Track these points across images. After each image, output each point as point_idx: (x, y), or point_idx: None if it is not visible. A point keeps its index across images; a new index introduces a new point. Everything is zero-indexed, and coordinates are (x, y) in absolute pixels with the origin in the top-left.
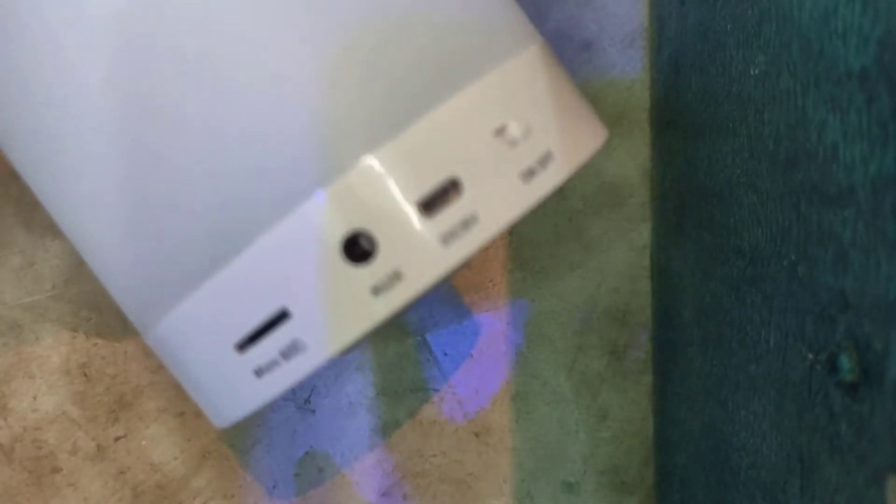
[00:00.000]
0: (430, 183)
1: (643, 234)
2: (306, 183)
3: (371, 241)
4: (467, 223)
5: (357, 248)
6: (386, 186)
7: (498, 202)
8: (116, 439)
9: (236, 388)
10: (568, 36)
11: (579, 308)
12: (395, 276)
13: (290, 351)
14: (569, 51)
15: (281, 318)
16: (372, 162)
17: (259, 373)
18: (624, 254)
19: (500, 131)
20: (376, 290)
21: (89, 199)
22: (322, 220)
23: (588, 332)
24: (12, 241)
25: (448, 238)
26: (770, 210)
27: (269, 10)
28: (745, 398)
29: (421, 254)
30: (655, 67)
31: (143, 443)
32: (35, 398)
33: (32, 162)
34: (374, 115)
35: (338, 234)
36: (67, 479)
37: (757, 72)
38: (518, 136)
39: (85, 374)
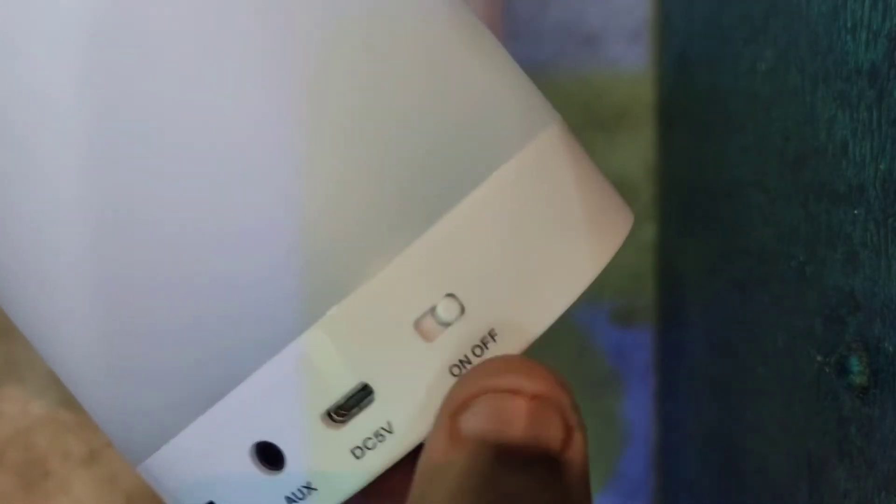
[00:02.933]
0: (338, 393)
1: (648, 232)
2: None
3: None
4: (381, 436)
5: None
6: (290, 396)
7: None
8: (109, 444)
9: None
10: (571, 30)
11: (582, 308)
12: (306, 491)
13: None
14: (572, 45)
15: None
16: (274, 367)
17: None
18: (628, 253)
19: (427, 315)
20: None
21: (67, 338)
22: (229, 426)
23: (591, 333)
24: None
25: (360, 451)
26: (778, 209)
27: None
28: (752, 401)
29: (331, 468)
30: (661, 62)
31: None
32: (26, 402)
33: (14, 308)
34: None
35: (249, 440)
36: (59, 484)
37: (765, 67)
38: (451, 318)
39: None
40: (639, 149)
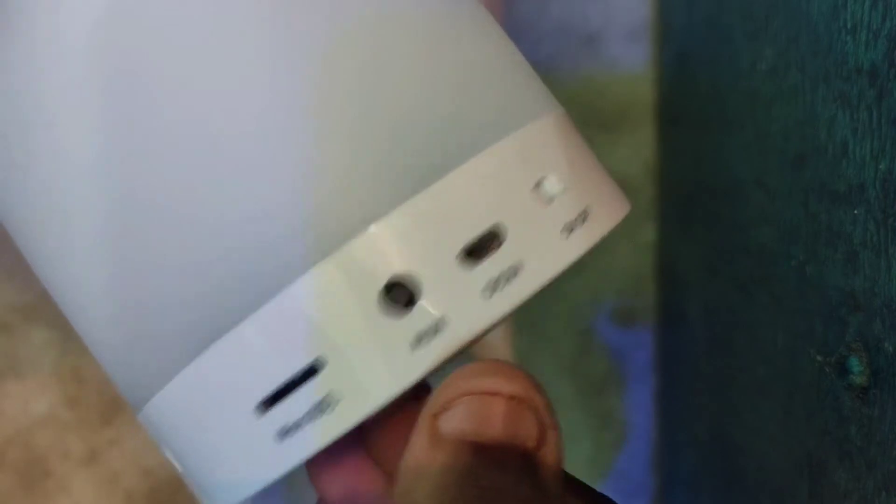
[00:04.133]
0: (473, 232)
1: (648, 232)
2: (348, 224)
3: (413, 287)
4: (511, 274)
5: (395, 298)
6: (429, 232)
7: (541, 255)
8: (109, 443)
9: (253, 457)
10: (572, 29)
11: (583, 309)
12: (437, 327)
13: (321, 409)
14: (572, 44)
15: (311, 372)
16: (414, 207)
17: (283, 434)
18: (629, 253)
19: (538, 185)
20: (417, 341)
21: (79, 268)
22: (361, 265)
23: (592, 333)
24: (3, 242)
25: (493, 288)
26: (778, 208)
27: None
28: (752, 401)
29: (464, 304)
30: (661, 61)
31: (136, 447)
32: (26, 401)
33: (28, 245)
34: (413, 162)
35: (379, 280)
36: (59, 483)
37: (765, 67)
38: (556, 192)
39: (77, 377)
40: (639, 149)
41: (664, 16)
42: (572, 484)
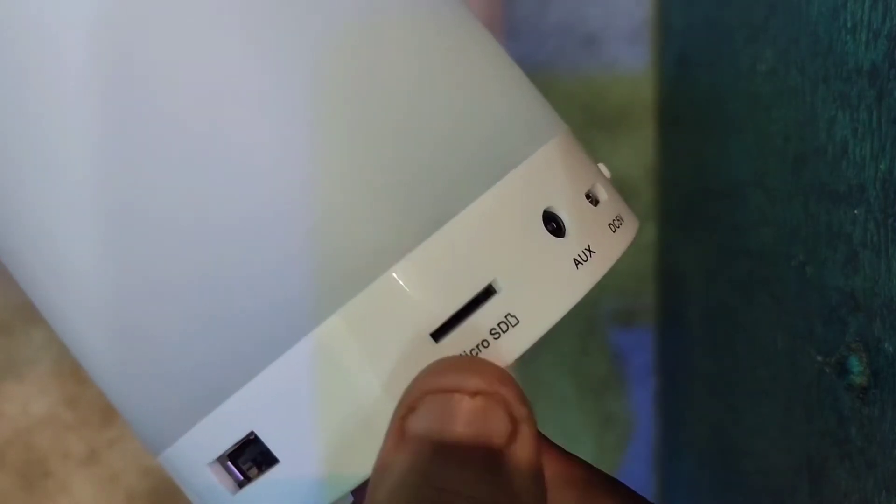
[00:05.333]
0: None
1: (648, 233)
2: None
3: (559, 220)
4: (619, 221)
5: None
6: (568, 169)
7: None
8: (109, 443)
9: None
10: (571, 30)
11: (583, 310)
12: (589, 252)
13: (498, 332)
14: (572, 45)
15: (483, 299)
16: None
17: None
18: (629, 253)
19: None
20: (577, 263)
21: (87, 319)
22: (522, 195)
23: (592, 334)
24: None
25: (614, 226)
26: (778, 209)
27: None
28: (752, 402)
29: (603, 235)
30: (661, 63)
31: (137, 447)
32: (26, 402)
33: (37, 295)
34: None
35: (540, 204)
36: (59, 483)
37: (765, 67)
38: (602, 198)
39: (77, 377)
40: (639, 149)
41: (664, 17)
42: (598, 477)
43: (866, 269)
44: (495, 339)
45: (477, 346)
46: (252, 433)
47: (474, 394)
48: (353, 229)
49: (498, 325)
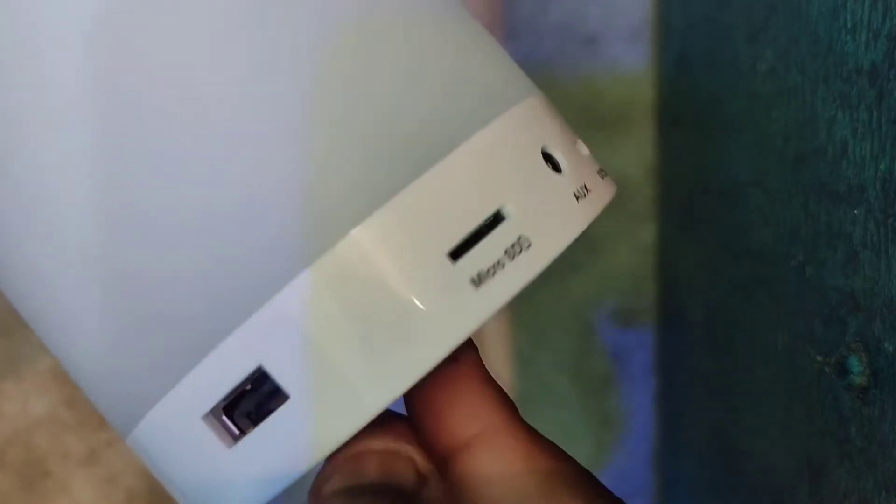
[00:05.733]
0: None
1: (648, 233)
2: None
3: (555, 161)
4: (604, 173)
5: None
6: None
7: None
8: (108, 443)
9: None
10: (571, 30)
11: (583, 310)
12: (586, 190)
13: (512, 254)
14: (572, 45)
15: (497, 220)
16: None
17: (478, 281)
18: (628, 254)
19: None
20: (577, 197)
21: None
22: (519, 132)
23: (592, 334)
24: None
25: (601, 174)
26: (778, 209)
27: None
28: (752, 401)
29: (595, 179)
30: (661, 62)
31: None
32: (26, 402)
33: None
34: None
35: (537, 145)
36: (59, 483)
37: (765, 67)
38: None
39: None
40: (639, 149)
41: (664, 17)
42: (590, 483)
43: (866, 269)
44: (510, 259)
45: (494, 266)
46: (259, 367)
47: (381, 452)
48: (366, 155)
49: (512, 246)
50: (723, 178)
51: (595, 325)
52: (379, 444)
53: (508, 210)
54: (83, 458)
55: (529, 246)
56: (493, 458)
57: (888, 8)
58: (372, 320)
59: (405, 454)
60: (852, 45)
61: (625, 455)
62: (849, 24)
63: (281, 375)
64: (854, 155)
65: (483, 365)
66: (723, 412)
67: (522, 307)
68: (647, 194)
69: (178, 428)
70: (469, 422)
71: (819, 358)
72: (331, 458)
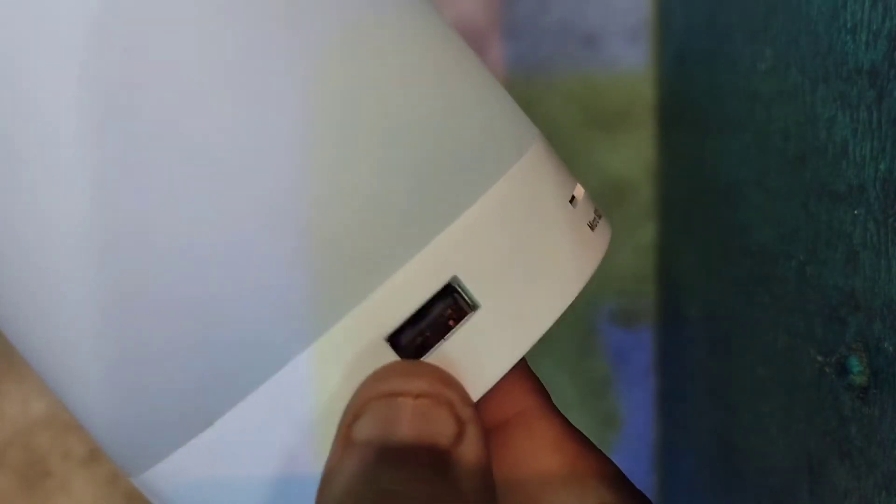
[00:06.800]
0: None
1: (648, 233)
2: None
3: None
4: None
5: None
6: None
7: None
8: None
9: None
10: (571, 29)
11: (583, 310)
12: (595, 222)
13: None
14: (572, 44)
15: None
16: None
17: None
18: (628, 254)
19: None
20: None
21: (65, 335)
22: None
23: (592, 334)
24: None
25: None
26: (778, 209)
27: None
28: (752, 401)
29: (594, 220)
30: (661, 62)
31: None
32: (26, 402)
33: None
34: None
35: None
36: (59, 484)
37: (765, 67)
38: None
39: None
40: (639, 149)
41: (664, 16)
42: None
43: (866, 269)
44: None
45: (594, 218)
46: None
47: (417, 396)
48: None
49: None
50: (723, 178)
51: (595, 325)
52: (413, 386)
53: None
54: (83, 459)
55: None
56: (525, 439)
57: (888, 8)
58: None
59: (443, 398)
60: (852, 45)
61: (625, 455)
62: (849, 24)
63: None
64: (854, 155)
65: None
66: (723, 412)
67: None
68: (648, 194)
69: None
70: (507, 405)
71: (819, 358)
72: (366, 384)
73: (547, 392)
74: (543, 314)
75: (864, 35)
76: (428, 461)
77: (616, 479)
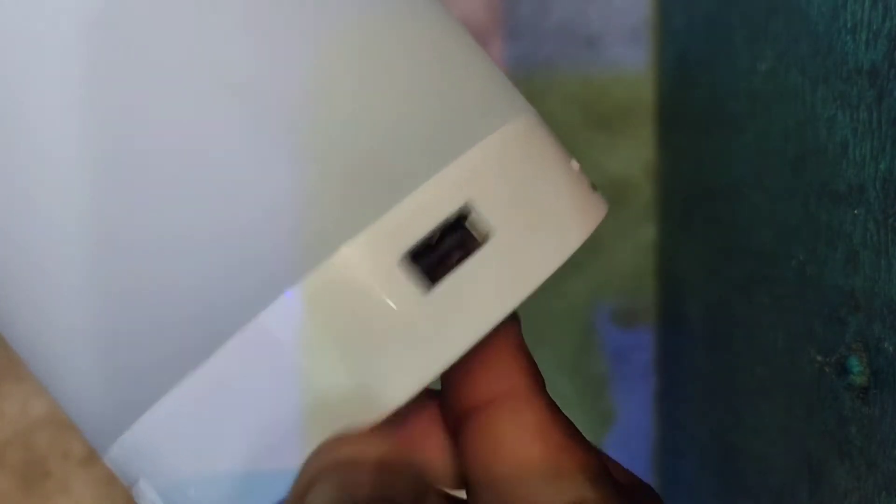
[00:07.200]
0: None
1: (648, 233)
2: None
3: None
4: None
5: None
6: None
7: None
8: None
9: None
10: (572, 31)
11: (583, 310)
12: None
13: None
14: (573, 45)
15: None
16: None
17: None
18: (629, 254)
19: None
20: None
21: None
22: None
23: (592, 333)
24: None
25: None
26: (778, 209)
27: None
28: (752, 401)
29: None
30: (661, 63)
31: None
32: (26, 402)
33: None
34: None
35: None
36: (59, 483)
37: (765, 67)
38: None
39: None
40: (639, 149)
41: (664, 17)
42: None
43: (866, 269)
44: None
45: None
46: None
47: (378, 463)
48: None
49: None
50: (723, 178)
51: (595, 325)
52: (375, 451)
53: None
54: (83, 459)
55: None
56: (507, 423)
57: (888, 8)
58: None
59: (406, 463)
60: (852, 45)
61: (625, 455)
62: (849, 24)
63: (488, 209)
64: (854, 155)
65: (521, 335)
66: (723, 412)
67: (522, 307)
68: (647, 194)
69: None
70: (495, 382)
71: (819, 358)
72: (317, 455)
73: (540, 375)
74: (546, 259)
75: (864, 35)
76: None
77: (599, 474)
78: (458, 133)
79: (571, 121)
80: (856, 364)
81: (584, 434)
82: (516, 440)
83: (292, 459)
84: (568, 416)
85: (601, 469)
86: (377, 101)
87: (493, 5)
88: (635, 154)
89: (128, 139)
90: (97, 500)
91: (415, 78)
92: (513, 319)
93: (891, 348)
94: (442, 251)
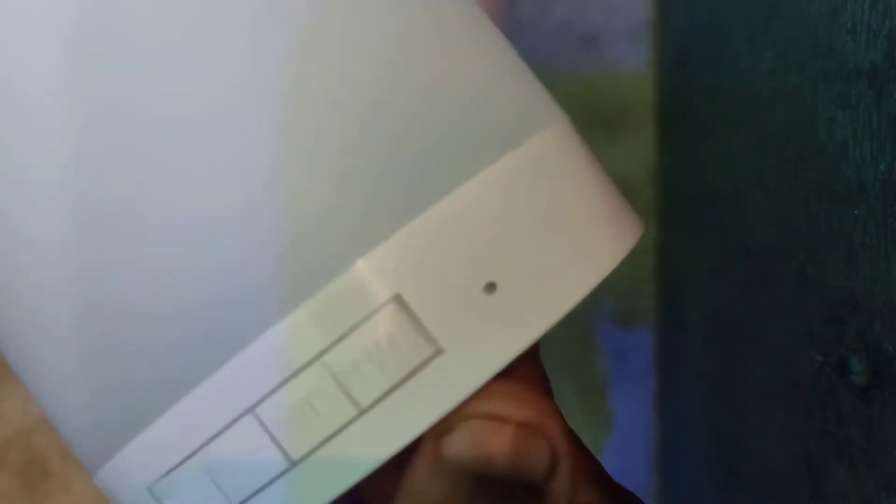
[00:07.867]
0: None
1: (648, 233)
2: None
3: None
4: None
5: None
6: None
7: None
8: None
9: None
10: (572, 30)
11: (583, 310)
12: None
13: None
14: (573, 45)
15: None
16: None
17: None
18: (629, 254)
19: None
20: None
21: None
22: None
23: (592, 334)
24: None
25: None
26: (779, 209)
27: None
28: (752, 402)
29: None
30: (661, 62)
31: None
32: (26, 402)
33: None
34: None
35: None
36: (60, 483)
37: (765, 68)
38: None
39: None
40: (639, 149)
41: (664, 17)
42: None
43: (866, 269)
44: None
45: None
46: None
47: (520, 425)
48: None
49: None
50: (723, 178)
51: (595, 325)
52: (519, 413)
53: None
54: None
55: None
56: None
57: (888, 8)
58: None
59: (543, 432)
60: (852, 45)
61: (625, 455)
62: (849, 25)
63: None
64: (854, 155)
65: (542, 368)
66: (723, 412)
67: None
68: (648, 194)
69: None
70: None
71: (819, 358)
72: (464, 404)
73: (549, 387)
74: (581, 280)
75: (864, 35)
76: (524, 496)
77: (602, 480)
78: (493, 139)
79: (572, 121)
80: (856, 364)
81: (584, 434)
82: None
83: None
84: (568, 416)
85: (602, 474)
86: (401, 109)
87: (492, 5)
88: (635, 154)
89: (127, 146)
90: (97, 500)
91: (461, 81)
92: (533, 355)
93: (891, 348)
94: None
